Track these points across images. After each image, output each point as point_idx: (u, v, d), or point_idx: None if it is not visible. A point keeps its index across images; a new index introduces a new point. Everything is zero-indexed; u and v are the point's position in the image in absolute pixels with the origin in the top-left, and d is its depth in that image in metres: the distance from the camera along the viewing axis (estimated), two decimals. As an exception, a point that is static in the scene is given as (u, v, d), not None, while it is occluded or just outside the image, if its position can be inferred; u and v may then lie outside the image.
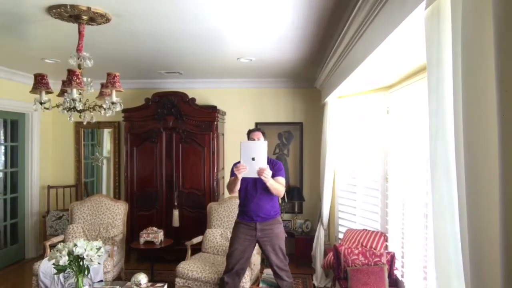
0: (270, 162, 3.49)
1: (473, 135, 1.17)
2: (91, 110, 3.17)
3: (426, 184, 2.89)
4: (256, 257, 4.18)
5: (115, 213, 4.66)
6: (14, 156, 5.57)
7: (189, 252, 4.28)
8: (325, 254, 4.59)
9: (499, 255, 0.98)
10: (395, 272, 3.47)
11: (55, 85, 4.41)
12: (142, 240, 4.41)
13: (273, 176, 3.40)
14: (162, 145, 5.37)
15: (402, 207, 3.46)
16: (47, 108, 3.10)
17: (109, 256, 4.20)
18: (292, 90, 5.90)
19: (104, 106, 3.16)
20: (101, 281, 3.93)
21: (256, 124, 5.84)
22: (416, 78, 3.06)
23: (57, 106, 3.08)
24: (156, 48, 3.94)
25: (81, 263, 2.87)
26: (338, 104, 4.64)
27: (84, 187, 6.17)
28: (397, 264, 3.52)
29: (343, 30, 3.05)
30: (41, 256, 5.20)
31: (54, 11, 2.77)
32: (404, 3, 1.84)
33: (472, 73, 1.17)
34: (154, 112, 5.34)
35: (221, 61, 4.55)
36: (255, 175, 3.20)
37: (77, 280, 2.90)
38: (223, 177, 5.70)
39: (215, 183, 5.32)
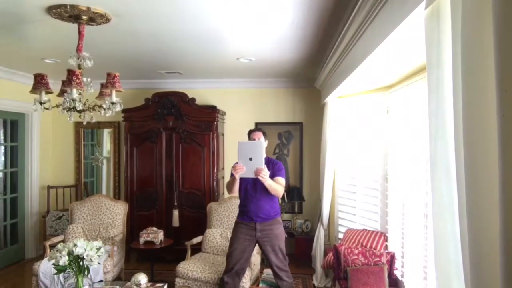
0: (270, 162, 3.50)
1: (473, 135, 1.17)
2: (91, 110, 3.17)
3: (426, 184, 2.89)
4: (256, 257, 4.18)
5: (115, 213, 4.66)
6: (14, 156, 5.57)
7: (189, 252, 4.28)
8: (325, 254, 4.59)
9: (499, 255, 0.98)
10: (395, 272, 3.47)
11: (55, 85, 4.41)
12: (142, 240, 4.41)
13: (272, 176, 3.40)
14: (162, 145, 5.37)
15: (402, 207, 3.46)
16: (47, 108, 3.10)
17: (109, 256, 4.20)
18: (292, 90, 5.90)
19: (104, 106, 3.16)
20: (101, 281, 3.93)
21: (256, 124, 5.84)
22: (416, 78, 3.06)
23: (57, 106, 3.08)
24: (156, 48, 3.94)
25: (81, 263, 2.87)
26: (338, 104, 4.64)
27: (84, 187, 6.17)
28: (397, 264, 3.52)
29: (343, 30, 3.05)
30: (41, 256, 5.19)
31: (54, 11, 2.77)
32: (404, 3, 1.84)
33: (472, 73, 1.17)
34: (154, 112, 5.34)
35: (221, 61, 4.55)
36: (252, 175, 3.19)
37: (77, 280, 2.90)
38: (223, 177, 5.70)
39: (215, 183, 5.32)
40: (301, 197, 5.76)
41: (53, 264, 2.87)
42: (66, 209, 5.61)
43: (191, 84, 5.80)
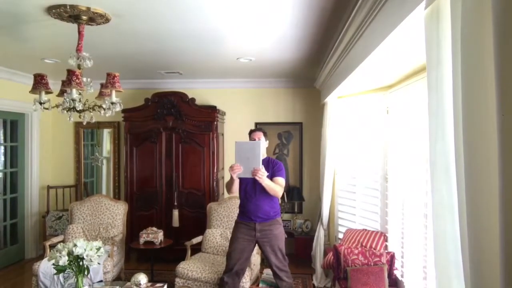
0: (270, 162, 3.50)
1: (473, 135, 1.17)
2: (91, 110, 3.17)
3: (425, 184, 2.89)
4: (256, 257, 4.18)
5: (115, 213, 4.66)
6: (14, 156, 5.57)
7: (189, 252, 4.28)
8: (325, 254, 4.59)
9: (498, 255, 0.98)
10: (395, 272, 3.47)
11: (55, 85, 4.42)
12: (142, 240, 4.41)
13: (272, 176, 3.41)
14: (161, 145, 5.37)
15: (402, 207, 3.46)
16: (47, 108, 3.10)
17: (109, 256, 4.20)
18: (292, 90, 5.90)
19: (104, 106, 3.16)
20: (101, 281, 3.93)
21: (256, 124, 5.85)
22: (415, 78, 3.06)
23: (57, 106, 3.07)
24: (155, 48, 3.93)
25: (80, 263, 2.87)
26: (338, 104, 4.64)
27: (83, 187, 6.16)
28: (397, 264, 3.52)
29: (343, 30, 3.05)
30: (41, 256, 5.20)
31: (54, 11, 2.77)
32: (404, 3, 1.84)
33: (471, 73, 1.17)
34: (154, 112, 5.34)
35: (221, 61, 4.55)
36: (250, 176, 3.19)
37: (77, 280, 2.90)
38: (223, 177, 5.70)
39: (214, 183, 5.32)
40: (301, 197, 5.76)
41: (53, 264, 2.87)
42: (66, 209, 5.61)
43: (191, 84, 5.80)
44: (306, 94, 5.87)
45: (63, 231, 4.94)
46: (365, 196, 4.23)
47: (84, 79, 2.97)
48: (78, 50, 2.94)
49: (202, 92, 5.80)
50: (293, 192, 5.69)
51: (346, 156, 4.63)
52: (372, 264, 3.42)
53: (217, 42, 3.71)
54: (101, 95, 3.40)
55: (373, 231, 3.87)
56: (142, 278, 3.22)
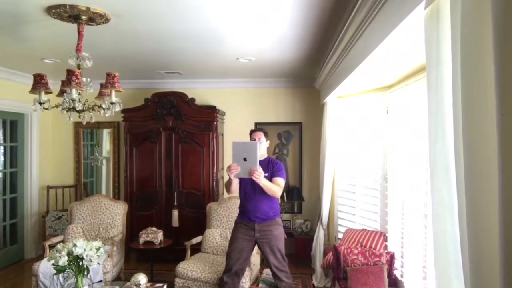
0: (270, 162, 3.50)
1: (472, 135, 1.17)
2: (91, 110, 3.17)
3: (425, 184, 2.89)
4: (255, 257, 4.18)
5: (115, 213, 4.66)
6: (14, 156, 5.57)
7: (189, 252, 4.28)
8: (325, 254, 4.59)
9: (498, 255, 0.98)
10: (395, 272, 3.47)
11: (55, 85, 4.41)
12: (141, 240, 4.40)
13: (271, 176, 3.40)
14: (161, 145, 5.36)
15: (401, 207, 3.46)
16: (47, 108, 3.10)
17: (108, 256, 4.20)
18: (291, 90, 5.90)
19: (104, 106, 3.16)
20: (101, 281, 3.93)
21: (256, 124, 5.85)
22: (415, 78, 3.06)
23: (57, 106, 3.07)
24: (155, 48, 3.93)
25: (80, 263, 2.87)
26: (337, 104, 4.64)
27: (83, 187, 6.16)
28: (397, 264, 3.52)
29: (343, 30, 3.05)
30: (40, 257, 5.20)
31: (54, 11, 2.77)
32: (404, 3, 1.84)
33: (471, 73, 1.18)
34: (154, 112, 5.34)
35: (220, 61, 4.55)
36: (247, 176, 3.19)
37: (77, 280, 2.90)
38: (222, 177, 5.70)
39: (214, 183, 5.32)
40: (300, 197, 5.76)
41: (53, 264, 2.87)
42: (65, 209, 5.61)
43: (190, 84, 5.80)
44: (306, 94, 5.87)
45: (63, 231, 4.94)
46: (365, 196, 4.23)
47: (84, 79, 2.97)
48: (78, 50, 2.94)
49: (202, 92, 5.80)
50: (292, 192, 5.69)
51: (345, 156, 4.64)
52: (371, 264, 3.42)
53: (217, 42, 3.71)
54: (100, 95, 3.40)
55: (372, 231, 3.87)
56: (142, 278, 3.22)
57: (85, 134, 6.22)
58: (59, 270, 2.88)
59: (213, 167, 5.30)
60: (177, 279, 3.91)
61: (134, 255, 5.58)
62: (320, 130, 5.08)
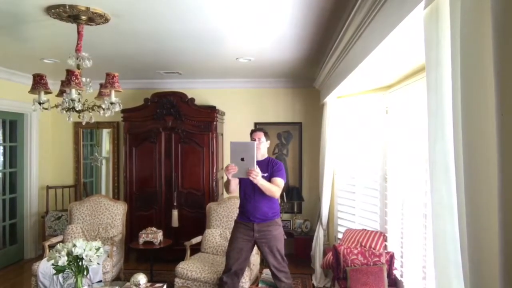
0: (270, 162, 3.49)
1: (472, 135, 1.17)
2: (90, 110, 3.17)
3: (425, 184, 2.89)
4: (255, 257, 4.18)
5: (114, 213, 4.66)
6: (13, 156, 5.57)
7: (188, 252, 4.28)
8: (325, 254, 4.59)
9: (498, 254, 0.98)
10: (394, 272, 3.47)
11: (54, 85, 4.41)
12: (141, 240, 4.40)
13: (271, 176, 3.40)
14: (161, 145, 5.36)
15: (401, 207, 3.46)
16: (46, 109, 3.09)
17: (108, 256, 4.20)
18: (291, 90, 5.90)
19: (103, 106, 3.16)
20: (100, 281, 3.93)
21: (255, 124, 5.85)
22: (415, 78, 3.06)
23: (56, 106, 3.07)
24: (155, 48, 3.93)
25: (80, 263, 2.87)
26: (337, 104, 4.64)
27: (83, 187, 6.16)
28: (396, 264, 3.52)
29: (342, 30, 3.05)
30: (40, 257, 5.19)
31: (53, 11, 2.77)
32: (403, 3, 1.84)
33: (471, 73, 1.18)
34: (153, 112, 5.34)
35: (220, 61, 4.55)
36: (244, 176, 3.19)
37: (76, 280, 2.90)
38: (222, 177, 5.70)
39: (214, 183, 5.32)
40: (300, 197, 5.76)
41: (52, 264, 2.87)
42: (65, 210, 5.61)
43: (190, 84, 5.80)
44: (305, 94, 5.87)
45: (63, 231, 4.94)
46: (364, 196, 4.23)
47: (83, 79, 2.97)
48: (78, 50, 2.94)
49: (201, 92, 5.80)
50: (292, 192, 5.69)
51: (345, 156, 4.64)
52: (371, 264, 3.43)
53: (216, 42, 3.71)
54: (100, 95, 3.39)
55: (372, 231, 3.87)
56: (142, 278, 3.22)
57: (85, 134, 6.22)
58: (59, 270, 2.88)
59: (213, 167, 5.30)
60: (176, 279, 3.91)
61: (134, 255, 5.58)
62: (320, 130, 5.08)
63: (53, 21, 2.98)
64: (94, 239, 4.42)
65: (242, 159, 3.13)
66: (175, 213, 5.13)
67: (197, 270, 3.85)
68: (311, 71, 5.08)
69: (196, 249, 4.42)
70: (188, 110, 5.30)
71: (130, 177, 5.42)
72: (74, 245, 2.84)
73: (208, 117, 5.30)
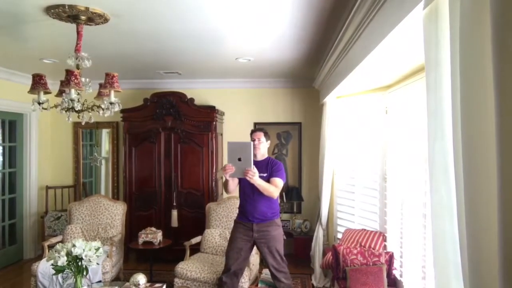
0: (269, 162, 3.49)
1: (471, 135, 1.17)
2: (90, 110, 3.16)
3: (424, 184, 2.89)
4: (255, 257, 4.18)
5: (114, 214, 4.66)
6: (13, 156, 5.56)
7: (188, 252, 4.28)
8: (324, 254, 4.59)
9: (497, 254, 0.98)
10: (394, 272, 3.47)
11: (54, 85, 4.40)
12: (140, 240, 4.40)
13: (270, 176, 3.40)
14: (160, 145, 5.36)
15: (400, 207, 3.46)
16: (45, 109, 3.09)
17: (107, 256, 4.19)
18: (290, 90, 5.91)
19: (103, 106, 3.16)
20: (100, 281, 3.93)
21: (255, 124, 5.85)
22: (414, 78, 3.06)
23: (56, 106, 3.07)
24: (154, 48, 3.93)
25: (79, 263, 2.87)
26: (336, 104, 4.64)
27: (82, 188, 6.16)
28: (396, 264, 3.53)
29: (342, 30, 3.05)
30: (39, 257, 5.19)
31: (52, 11, 2.77)
32: (403, 3, 1.85)
33: (470, 73, 1.18)
34: (153, 112, 5.34)
35: (219, 61, 4.55)
36: (242, 176, 3.20)
37: (76, 280, 2.90)
38: (222, 177, 5.70)
39: (213, 183, 5.32)
40: (300, 197, 5.76)
41: (52, 264, 2.87)
42: (64, 210, 5.60)
43: (190, 84, 5.80)
44: (305, 94, 5.87)
45: (62, 232, 4.94)
46: (364, 196, 4.23)
47: (83, 79, 2.97)
48: (77, 50, 2.94)
49: (201, 92, 5.80)
50: (292, 192, 5.69)
51: (345, 156, 4.64)
52: (371, 264, 3.43)
53: (216, 42, 3.71)
54: (100, 95, 3.39)
55: (372, 231, 3.87)
56: (141, 278, 3.22)
57: (84, 134, 6.22)
58: (58, 270, 2.87)
59: (213, 167, 5.30)
60: (176, 279, 3.91)
61: (133, 255, 5.58)
62: (319, 130, 5.08)
63: (53, 21, 2.98)
64: (93, 239, 4.41)
65: (239, 159, 3.14)
66: (174, 213, 5.13)
67: (196, 270, 3.85)
68: (311, 71, 5.08)
69: (196, 249, 4.41)
70: (188, 110, 5.30)
71: (129, 177, 5.41)
72: (74, 245, 2.84)
73: (207, 117, 5.30)
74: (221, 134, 5.79)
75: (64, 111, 3.02)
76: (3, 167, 5.44)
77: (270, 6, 2.78)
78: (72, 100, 2.90)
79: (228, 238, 3.67)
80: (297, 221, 5.65)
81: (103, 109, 3.16)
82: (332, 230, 4.94)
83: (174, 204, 5.25)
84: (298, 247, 5.41)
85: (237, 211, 3.67)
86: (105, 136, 6.19)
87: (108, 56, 4.23)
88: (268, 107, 5.93)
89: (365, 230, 3.95)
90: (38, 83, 3.06)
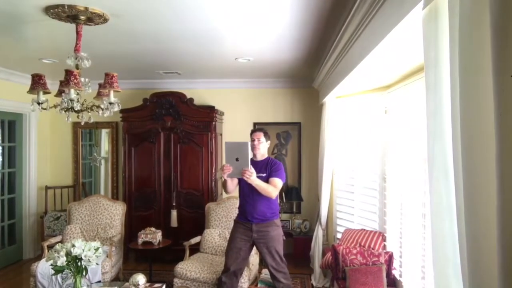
0: (269, 162, 3.49)
1: (471, 135, 1.18)
2: (89, 110, 3.16)
3: (424, 184, 2.89)
4: (254, 257, 4.18)
5: (113, 214, 4.65)
6: (12, 156, 5.56)
7: (187, 252, 4.28)
8: (324, 254, 4.59)
9: (496, 254, 0.98)
10: (393, 271, 3.47)
11: (53, 85, 4.39)
12: (140, 240, 4.40)
13: (269, 176, 3.40)
14: (160, 146, 5.36)
15: (400, 207, 3.46)
16: (45, 109, 3.09)
17: (107, 256, 4.19)
18: (290, 90, 5.91)
19: (102, 106, 3.16)
20: (99, 281, 3.92)
21: (254, 124, 5.85)
22: (414, 78, 3.06)
23: (55, 106, 3.07)
24: (154, 48, 3.93)
25: (79, 263, 2.86)
26: (336, 104, 4.64)
27: (82, 188, 6.15)
28: (395, 263, 3.53)
29: (341, 29, 3.05)
30: (39, 257, 5.18)
31: (52, 11, 2.77)
32: (402, 3, 1.85)
33: (469, 73, 1.18)
34: (152, 112, 5.34)
35: (219, 61, 4.55)
36: (239, 176, 3.21)
37: (75, 281, 2.90)
38: (221, 178, 5.69)
39: (213, 183, 5.32)
40: (299, 197, 5.76)
41: (51, 264, 2.87)
42: (64, 210, 5.60)
43: (189, 84, 5.80)
44: (304, 94, 5.87)
45: (61, 232, 4.93)
46: (363, 196, 4.24)
47: (82, 79, 2.96)
48: (76, 50, 2.94)
49: (200, 92, 5.80)
50: (291, 192, 5.69)
51: (344, 156, 4.64)
52: (370, 264, 3.43)
53: (216, 42, 3.71)
54: (99, 95, 3.39)
55: (371, 231, 3.87)
56: (141, 279, 3.21)
57: (84, 134, 6.21)
58: (58, 270, 2.87)
59: (212, 167, 5.29)
60: (176, 279, 3.91)
61: (133, 256, 5.58)
62: (319, 130, 5.08)
63: (52, 21, 2.98)
64: (93, 239, 4.41)
65: (237, 159, 3.14)
66: (174, 213, 5.13)
67: (196, 270, 3.85)
68: (310, 71, 5.08)
69: (195, 249, 4.41)
70: (187, 110, 5.30)
71: (129, 177, 5.41)
72: (73, 245, 2.83)
73: (207, 117, 5.30)
74: (221, 134, 5.79)
75: (63, 111, 3.01)
76: (3, 167, 5.43)
77: (269, 6, 2.78)
78: (71, 100, 2.90)
79: (228, 238, 3.67)
80: (297, 221, 5.65)
81: (102, 109, 3.16)
82: (331, 230, 4.94)
83: (174, 204, 5.25)
84: (298, 247, 5.41)
85: (236, 211, 3.67)
86: (104, 136, 6.19)
87: (108, 56, 4.23)
88: (268, 107, 5.93)
89: (364, 230, 3.95)
90: (37, 83, 3.06)
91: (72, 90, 2.89)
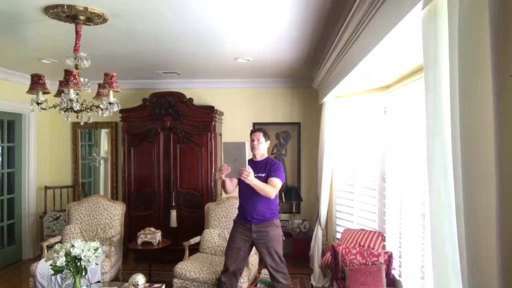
0: (268, 162, 3.49)
1: (470, 135, 1.18)
2: (88, 110, 3.16)
3: (423, 184, 2.89)
4: (254, 258, 4.18)
5: (113, 214, 4.65)
6: (11, 156, 5.55)
7: (187, 252, 4.28)
8: (323, 254, 4.60)
9: (496, 254, 0.99)
10: (393, 271, 3.48)
11: (52, 85, 4.39)
12: (139, 240, 4.40)
13: (268, 176, 3.40)
14: (159, 146, 5.36)
15: (399, 207, 3.46)
16: (44, 109, 3.09)
17: (106, 256, 4.19)
18: (289, 90, 5.91)
19: (102, 106, 3.16)
20: (99, 282, 3.92)
21: (254, 124, 5.85)
22: (413, 78, 3.07)
23: (54, 106, 3.07)
24: (153, 48, 3.93)
25: (78, 264, 2.86)
26: (335, 104, 4.65)
27: (81, 188, 6.15)
28: (395, 263, 3.53)
29: (341, 30, 3.05)
30: (38, 257, 5.17)
31: (51, 11, 2.77)
32: (401, 3, 1.85)
33: (469, 73, 1.18)
34: (152, 112, 5.34)
35: (218, 61, 4.55)
36: (237, 176, 3.21)
37: (75, 281, 2.89)
38: (220, 178, 5.69)
39: (212, 183, 5.32)
40: (299, 197, 5.76)
41: (51, 265, 2.87)
42: (63, 210, 5.60)
43: (188, 84, 5.80)
44: (304, 94, 5.87)
45: (61, 232, 4.93)
46: (363, 196, 4.24)
47: (82, 79, 2.96)
48: (76, 50, 2.93)
49: (200, 92, 5.80)
50: (291, 192, 5.69)
51: (344, 156, 4.64)
52: (370, 264, 3.43)
53: (215, 42, 3.71)
54: (98, 95, 3.39)
55: (371, 231, 3.87)
56: (140, 279, 3.21)
57: (83, 134, 6.21)
58: (57, 270, 2.87)
59: (212, 167, 5.29)
60: (175, 280, 3.90)
61: (132, 256, 5.57)
62: (318, 130, 5.08)
63: (51, 21, 2.98)
64: (92, 240, 4.41)
65: (235, 159, 3.14)
66: (173, 213, 5.13)
67: (195, 270, 3.85)
68: (310, 71, 5.09)
69: (195, 249, 4.41)
70: (187, 110, 5.30)
71: (128, 177, 5.41)
72: (73, 246, 2.83)
73: (206, 117, 5.29)
74: (220, 134, 5.79)
75: (62, 111, 3.01)
76: (2, 167, 5.43)
77: (269, 6, 2.78)
78: (71, 100, 2.90)
79: (227, 238, 3.67)
80: (296, 221, 5.65)
81: (102, 109, 3.16)
82: (331, 230, 4.94)
83: (173, 204, 5.24)
84: (297, 247, 5.41)
85: (236, 211, 3.67)
86: (104, 136, 6.18)
87: (107, 56, 4.23)
88: (267, 107, 5.93)
89: (364, 230, 3.95)
90: (36, 83, 3.06)
91: (71, 90, 2.89)
